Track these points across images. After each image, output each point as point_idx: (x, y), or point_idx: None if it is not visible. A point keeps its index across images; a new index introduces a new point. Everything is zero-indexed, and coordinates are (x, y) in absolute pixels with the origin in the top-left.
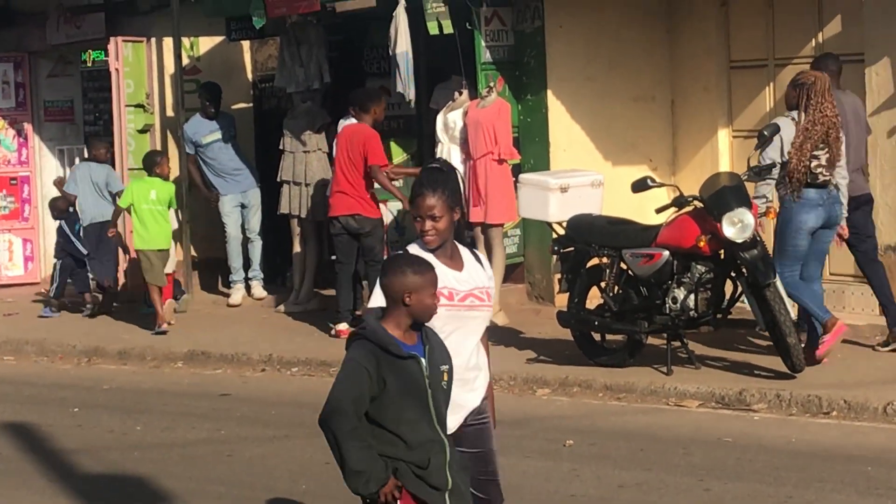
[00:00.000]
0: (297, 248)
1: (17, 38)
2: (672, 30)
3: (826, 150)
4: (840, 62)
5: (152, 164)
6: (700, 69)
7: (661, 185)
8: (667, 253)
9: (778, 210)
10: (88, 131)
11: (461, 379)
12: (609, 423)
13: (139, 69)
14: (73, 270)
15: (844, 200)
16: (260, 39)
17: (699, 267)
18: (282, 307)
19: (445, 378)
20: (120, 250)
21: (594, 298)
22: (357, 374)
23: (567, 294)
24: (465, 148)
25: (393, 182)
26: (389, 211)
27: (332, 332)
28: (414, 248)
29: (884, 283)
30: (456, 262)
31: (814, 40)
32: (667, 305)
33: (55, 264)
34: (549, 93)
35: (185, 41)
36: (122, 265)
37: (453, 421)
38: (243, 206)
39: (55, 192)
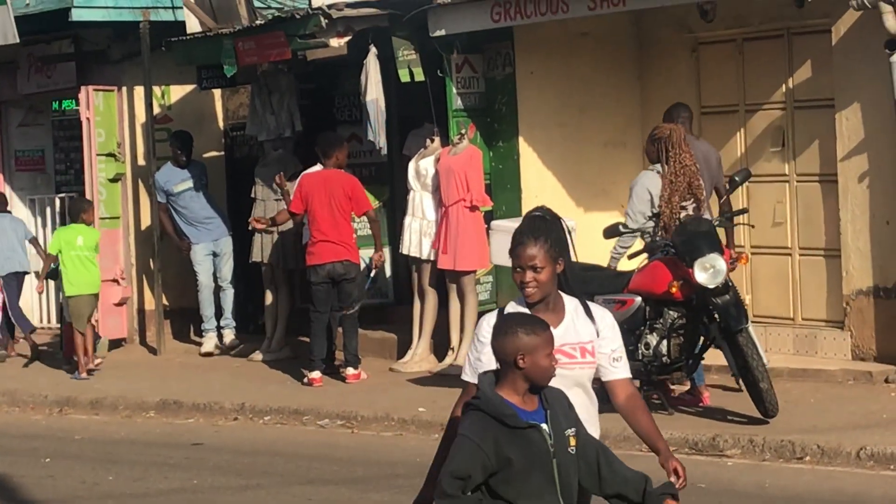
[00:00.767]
0: (268, 296)
1: None
2: (643, 76)
3: (692, 199)
4: (691, 110)
5: (79, 210)
6: None
7: (634, 231)
8: (639, 299)
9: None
10: (59, 180)
11: None
12: None
13: (110, 118)
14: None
15: None
16: (231, 88)
17: (671, 313)
18: (255, 355)
19: (572, 443)
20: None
21: None
22: (468, 455)
23: None
24: (437, 195)
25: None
26: (361, 258)
27: (305, 380)
28: (512, 307)
29: None
30: (554, 317)
31: (784, 86)
32: (639, 351)
33: None
34: (521, 139)
35: (157, 90)
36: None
37: None
38: (215, 255)
39: None
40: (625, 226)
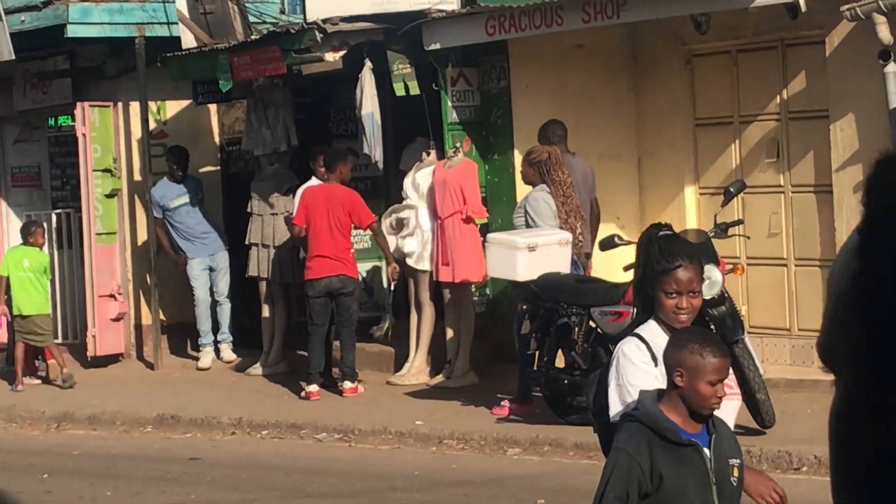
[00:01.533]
0: (265, 310)
1: None
2: (637, 88)
3: (579, 219)
4: (565, 126)
5: (27, 233)
6: (666, 127)
7: (629, 242)
8: (635, 311)
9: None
10: (56, 196)
11: None
12: (580, 482)
13: (106, 134)
14: None
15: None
16: (227, 102)
17: None
18: (253, 369)
19: (736, 474)
20: None
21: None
22: (625, 471)
23: (536, 353)
24: (433, 208)
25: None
26: (360, 272)
27: (303, 394)
28: (647, 330)
29: None
30: None
31: (778, 97)
32: None
33: None
34: (516, 152)
35: (152, 105)
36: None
37: None
38: (212, 270)
39: None
40: (620, 237)
